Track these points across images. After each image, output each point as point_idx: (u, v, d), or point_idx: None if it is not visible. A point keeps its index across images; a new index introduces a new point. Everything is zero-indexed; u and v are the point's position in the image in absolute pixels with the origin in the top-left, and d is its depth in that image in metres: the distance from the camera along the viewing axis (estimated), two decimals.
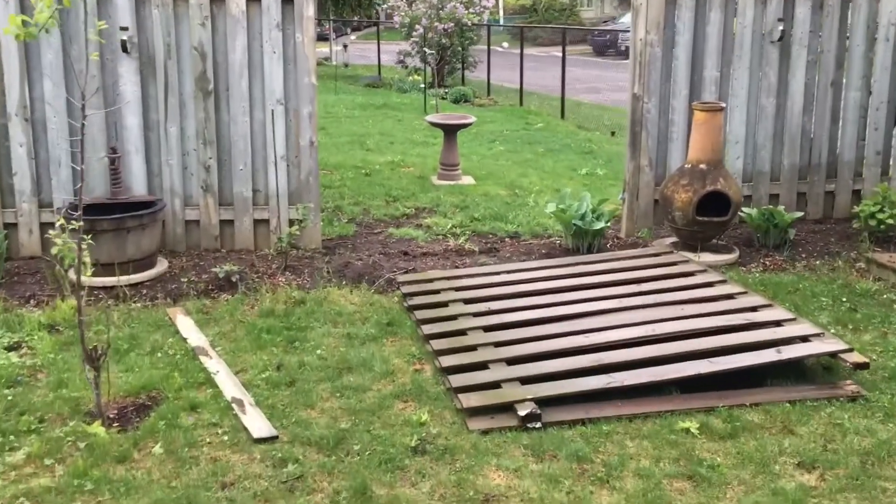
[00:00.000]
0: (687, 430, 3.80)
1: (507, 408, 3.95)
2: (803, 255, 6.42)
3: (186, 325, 5.05)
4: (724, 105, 6.19)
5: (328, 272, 6.01)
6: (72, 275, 3.96)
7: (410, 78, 19.86)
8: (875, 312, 5.23)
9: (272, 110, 6.33)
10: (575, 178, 9.73)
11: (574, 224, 6.24)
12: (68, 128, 6.10)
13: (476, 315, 5.04)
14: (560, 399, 4.02)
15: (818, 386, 4.24)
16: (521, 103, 17.09)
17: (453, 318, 5.03)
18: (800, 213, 6.61)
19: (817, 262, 6.23)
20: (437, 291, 5.49)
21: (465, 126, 9.32)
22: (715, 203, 6.09)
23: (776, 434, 3.80)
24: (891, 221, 6.46)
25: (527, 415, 3.83)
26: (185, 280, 5.80)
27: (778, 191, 7.12)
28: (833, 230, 7.00)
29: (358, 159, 10.27)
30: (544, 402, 3.97)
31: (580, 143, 12.20)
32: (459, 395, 4.04)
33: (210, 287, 5.72)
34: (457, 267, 6.14)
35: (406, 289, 5.57)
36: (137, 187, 6.28)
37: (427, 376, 4.43)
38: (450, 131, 9.21)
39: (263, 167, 6.45)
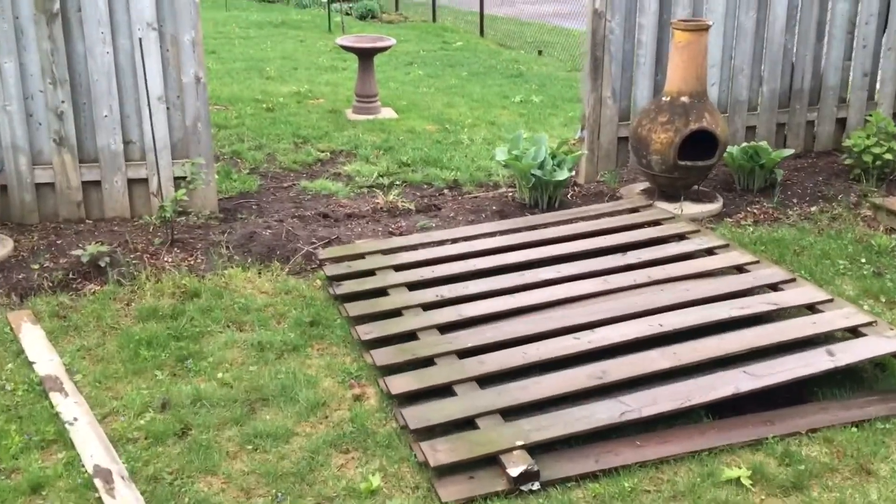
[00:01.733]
0: (737, 481, 2.79)
1: (491, 459, 2.85)
2: (794, 201, 5.48)
3: (34, 340, 3.72)
4: (710, 23, 5.08)
5: (228, 247, 4.71)
6: None
7: None
8: None
9: (140, 37, 4.88)
10: (508, 106, 8.54)
11: (532, 175, 5.09)
12: None
13: (426, 308, 3.89)
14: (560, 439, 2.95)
15: (881, 395, 3.30)
16: (433, 19, 15.60)
17: (396, 312, 3.87)
18: (790, 151, 5.64)
19: (813, 210, 5.31)
20: (371, 272, 4.30)
21: (382, 50, 7.95)
22: (698, 143, 5.05)
23: (852, 478, 2.84)
24: (889, 157, 5.57)
25: (521, 474, 2.74)
26: (37, 267, 4.41)
27: (755, 122, 6.14)
28: (818, 167, 6.09)
29: (257, 90, 8.77)
30: (539, 447, 2.89)
31: (506, 65, 10.96)
32: (422, 445, 2.91)
33: (71, 276, 4.36)
34: (391, 234, 4.93)
35: (331, 269, 4.35)
36: None
37: (371, 406, 3.28)
38: (365, 56, 7.83)
39: (136, 112, 5.02)
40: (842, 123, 6.34)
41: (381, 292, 4.09)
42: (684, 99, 5.03)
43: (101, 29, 4.83)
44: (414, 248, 4.60)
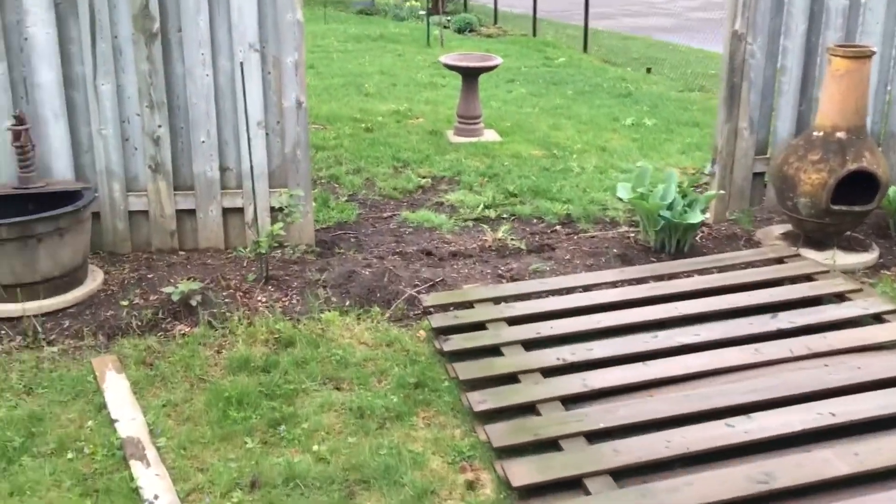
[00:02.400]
0: None
1: None
2: None
3: (118, 393, 3.41)
4: (874, 50, 4.45)
5: (325, 286, 4.35)
6: None
7: (408, 4, 17.80)
8: None
9: (243, 59, 4.58)
10: (619, 130, 8.00)
11: (661, 217, 4.56)
12: None
13: (546, 373, 3.42)
14: None
15: None
16: (534, 33, 15.14)
17: (512, 377, 3.41)
18: None
19: None
20: (481, 325, 3.85)
21: (489, 70, 7.52)
22: (854, 185, 4.42)
23: None
24: None
25: None
26: (126, 304, 4.14)
27: None
28: None
29: (356, 108, 8.48)
30: None
31: (613, 84, 10.40)
32: None
33: (161, 315, 4.06)
34: (501, 278, 4.48)
35: (437, 319, 3.92)
36: (60, 168, 4.55)
37: (487, 496, 2.83)
38: (470, 76, 7.42)
39: (234, 138, 4.72)
40: None
41: (494, 350, 3.64)
42: (840, 134, 4.42)
43: (202, 50, 4.55)
44: (528, 296, 4.14)
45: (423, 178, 6.34)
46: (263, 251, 4.35)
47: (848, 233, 4.73)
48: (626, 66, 11.96)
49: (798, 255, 4.44)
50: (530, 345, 3.67)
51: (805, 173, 4.45)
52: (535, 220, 5.44)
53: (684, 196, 4.68)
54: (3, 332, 3.90)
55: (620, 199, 4.92)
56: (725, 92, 5.08)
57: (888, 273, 4.51)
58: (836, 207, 4.43)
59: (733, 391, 3.17)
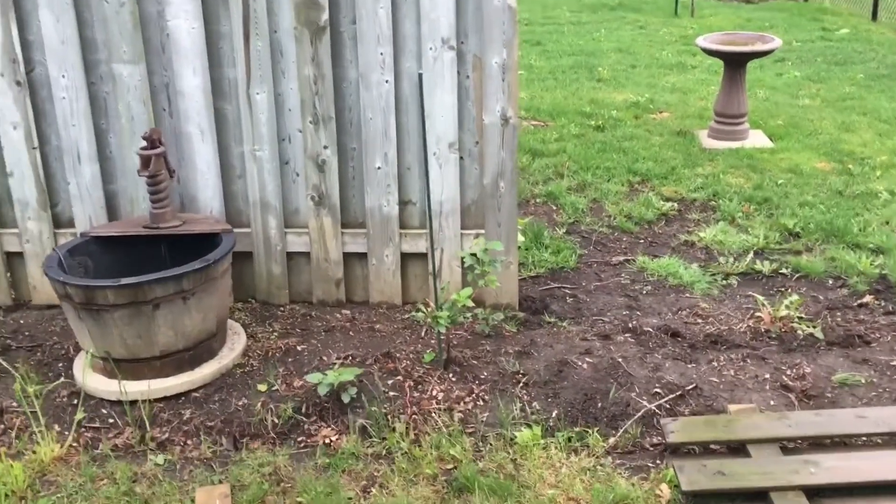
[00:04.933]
0: None
1: None
2: None
3: None
4: None
5: (525, 384, 3.10)
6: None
7: None
8: None
9: (434, 58, 3.39)
10: None
11: None
12: (87, 94, 3.52)
13: None
14: None
15: None
16: None
17: None
18: None
19: None
20: (764, 496, 2.43)
21: (760, 55, 5.82)
22: None
23: None
24: None
25: None
26: (264, 390, 3.13)
27: None
28: None
29: (585, 99, 7.07)
30: None
31: None
32: None
33: (304, 410, 3.01)
34: (788, 392, 2.98)
35: (691, 475, 2.53)
36: (206, 198, 3.63)
37: None
38: (735, 63, 5.77)
39: (419, 163, 3.57)
40: None
41: None
42: None
43: (381, 48, 3.40)
44: (837, 443, 2.64)
45: (668, 201, 4.87)
46: (442, 328, 3.17)
47: None
48: None
49: None
50: None
51: None
52: (830, 283, 3.83)
53: None
54: (111, 420, 3.03)
55: None
56: None
57: None
58: None
59: None
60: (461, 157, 3.54)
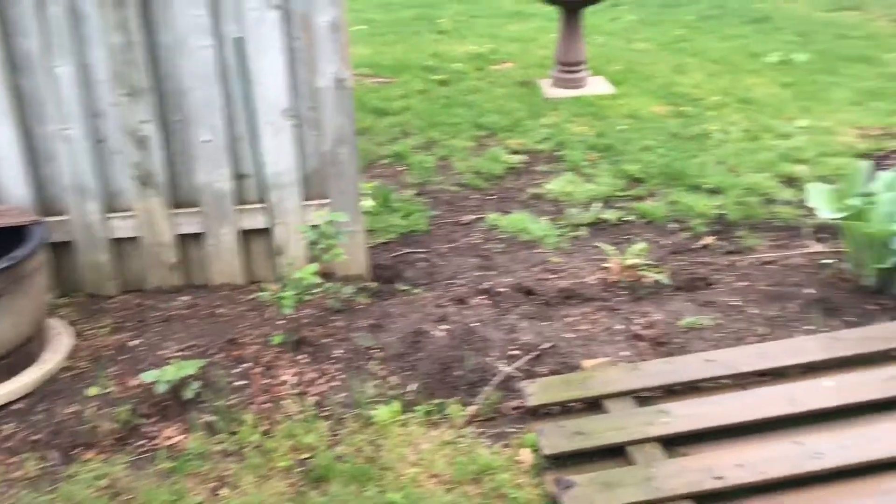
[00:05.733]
0: None
1: None
2: None
3: None
4: None
5: (380, 358, 2.98)
6: None
7: None
8: None
9: (257, 19, 3.14)
10: (762, 71, 6.25)
11: (891, 249, 2.97)
12: None
13: None
14: None
15: None
16: None
17: None
18: None
19: None
20: (621, 451, 2.43)
21: (596, 1, 5.84)
22: None
23: None
24: None
25: None
26: (95, 393, 2.86)
27: None
28: None
29: (427, 52, 6.93)
30: None
31: (743, 4, 8.49)
32: None
33: (143, 411, 2.78)
34: (639, 341, 3.00)
35: (551, 439, 2.50)
36: (10, 185, 3.26)
37: None
38: (572, 10, 5.77)
39: (251, 132, 3.32)
40: None
41: None
42: None
43: (196, 10, 3.12)
44: (689, 389, 2.68)
45: (515, 153, 4.84)
46: (288, 309, 2.99)
47: None
48: None
49: None
50: (703, 501, 2.24)
51: None
52: (673, 226, 3.91)
53: None
54: None
55: (815, 212, 3.31)
56: None
57: None
58: None
59: None
60: (297, 125, 3.33)
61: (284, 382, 2.92)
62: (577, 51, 5.83)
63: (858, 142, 4.81)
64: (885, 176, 3.22)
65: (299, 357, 3.03)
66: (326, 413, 2.76)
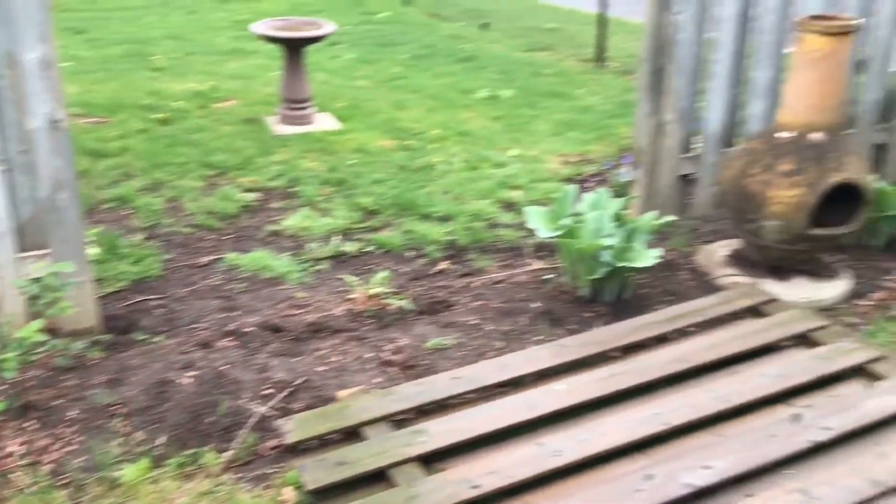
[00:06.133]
0: None
1: None
2: None
3: None
4: (858, 22, 3.41)
5: (124, 421, 2.79)
6: None
7: None
8: None
9: None
10: (474, 106, 6.73)
11: (603, 263, 3.34)
12: None
13: None
14: None
15: None
16: None
17: None
18: None
19: None
20: (383, 475, 2.49)
21: (318, 40, 5.96)
22: (830, 199, 3.42)
23: None
24: None
25: None
26: None
27: None
28: None
29: (144, 90, 6.63)
30: None
31: (450, 44, 9.08)
32: None
33: None
34: (391, 367, 3.10)
35: (313, 474, 2.50)
36: None
37: None
38: (294, 48, 5.84)
39: None
40: None
41: None
42: (816, 136, 3.38)
43: None
44: (440, 408, 2.81)
45: (248, 191, 4.78)
46: (10, 373, 2.71)
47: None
48: (459, 21, 10.66)
49: (776, 301, 3.39)
50: None
51: (775, 189, 3.38)
52: (410, 254, 4.08)
53: (620, 223, 3.48)
54: None
55: (534, 233, 3.63)
56: (649, 78, 3.91)
57: (858, 301, 3.58)
58: (815, 232, 3.41)
59: None
60: (6, 170, 3.04)
61: (11, 454, 2.64)
62: (303, 88, 5.90)
63: (562, 168, 5.34)
64: (588, 197, 3.62)
65: (27, 424, 2.76)
66: (65, 481, 2.54)
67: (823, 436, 2.57)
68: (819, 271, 3.70)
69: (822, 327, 3.16)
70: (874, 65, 4.35)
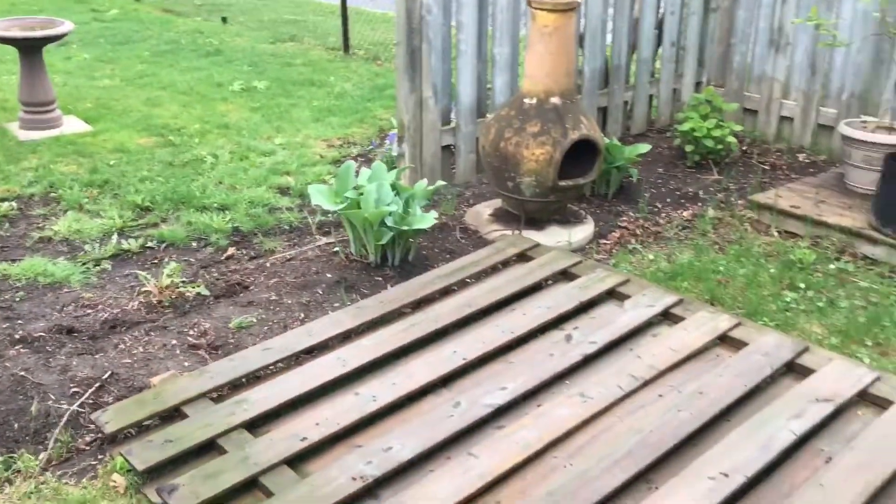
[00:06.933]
0: None
1: None
2: (658, 206, 4.67)
3: None
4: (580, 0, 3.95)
5: None
6: None
7: None
8: (859, 302, 3.67)
9: None
10: (231, 98, 6.75)
11: (388, 228, 3.61)
12: None
13: None
14: None
15: None
16: None
17: None
18: (646, 147, 4.77)
19: (686, 216, 4.53)
20: (214, 445, 2.60)
21: (57, 39, 5.66)
22: (571, 155, 3.96)
23: None
24: (731, 140, 5.01)
25: None
26: None
27: None
28: (649, 156, 5.34)
29: None
30: None
31: (193, 39, 8.93)
32: None
33: None
34: (199, 350, 3.17)
35: (141, 454, 2.54)
36: None
37: None
38: (31, 49, 5.52)
39: None
40: (650, 101, 5.68)
41: (253, 484, 2.45)
42: (555, 100, 3.89)
43: None
44: (256, 378, 2.95)
45: (4, 201, 4.52)
46: None
47: None
48: (196, 16, 10.46)
49: (538, 246, 3.86)
50: (297, 462, 2.54)
51: (527, 149, 3.85)
52: (197, 245, 4.11)
53: (396, 191, 3.78)
54: None
55: (317, 210, 3.82)
56: (406, 58, 4.24)
57: (602, 240, 4.18)
58: (563, 183, 3.92)
59: (599, 473, 2.45)
60: None
61: None
62: (45, 90, 5.60)
63: (328, 151, 5.56)
64: (364, 171, 3.89)
65: None
66: None
67: (591, 349, 3.04)
68: (569, 219, 4.25)
69: (577, 263, 3.67)
70: (593, 38, 5.02)
